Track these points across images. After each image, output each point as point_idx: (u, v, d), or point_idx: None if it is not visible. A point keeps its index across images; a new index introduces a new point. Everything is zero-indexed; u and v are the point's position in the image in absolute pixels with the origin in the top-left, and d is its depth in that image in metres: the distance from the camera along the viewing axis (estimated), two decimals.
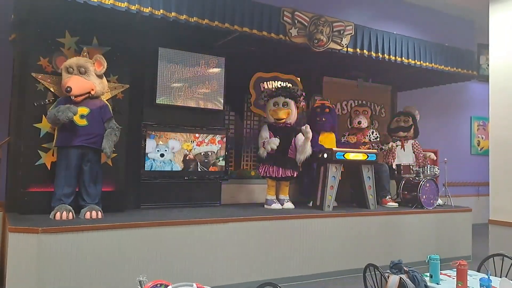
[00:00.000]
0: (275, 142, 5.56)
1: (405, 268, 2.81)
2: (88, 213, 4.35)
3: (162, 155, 5.39)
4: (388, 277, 2.76)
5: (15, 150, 4.77)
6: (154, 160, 5.34)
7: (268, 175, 5.77)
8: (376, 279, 2.86)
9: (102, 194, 4.63)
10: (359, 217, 5.59)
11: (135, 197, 5.31)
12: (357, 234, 5.53)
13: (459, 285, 2.76)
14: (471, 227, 6.52)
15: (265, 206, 5.79)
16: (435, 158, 7.01)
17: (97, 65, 4.60)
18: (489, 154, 5.64)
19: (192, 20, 4.83)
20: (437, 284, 2.92)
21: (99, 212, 4.42)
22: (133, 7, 4.46)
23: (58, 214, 4.20)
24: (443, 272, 3.12)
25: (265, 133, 5.80)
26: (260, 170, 5.83)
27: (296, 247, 5.09)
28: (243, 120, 6.67)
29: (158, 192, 5.43)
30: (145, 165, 5.28)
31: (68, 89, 4.32)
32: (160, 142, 5.40)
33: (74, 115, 4.25)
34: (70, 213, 4.26)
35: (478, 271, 3.35)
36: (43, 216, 4.27)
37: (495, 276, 3.17)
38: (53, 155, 4.60)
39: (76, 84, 4.38)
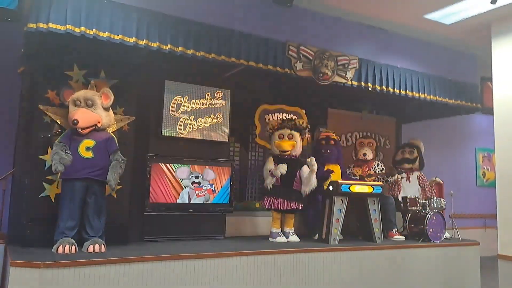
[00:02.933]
0: (284, 167, 5.54)
1: None
2: (91, 246, 4.29)
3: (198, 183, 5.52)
4: None
5: (20, 181, 4.77)
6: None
7: (273, 208, 5.71)
8: None
9: (105, 226, 4.58)
10: (365, 251, 5.49)
11: (139, 229, 5.26)
12: (364, 268, 5.41)
13: None
14: (479, 262, 6.39)
15: (270, 239, 5.70)
16: (441, 182, 6.94)
17: (104, 98, 4.64)
18: (495, 186, 5.60)
19: (199, 54, 4.91)
20: None
21: (102, 246, 4.36)
22: (141, 42, 4.56)
23: (60, 247, 4.14)
24: None
25: (270, 165, 5.77)
26: (265, 202, 5.77)
27: (302, 281, 4.98)
28: (248, 151, 6.67)
29: (162, 224, 5.38)
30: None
31: (75, 121, 4.35)
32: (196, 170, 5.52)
33: (66, 165, 4.24)
34: (73, 246, 4.21)
35: None
36: (45, 250, 4.21)
37: None
38: (57, 187, 4.59)
39: (83, 116, 4.41)
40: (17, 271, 3.69)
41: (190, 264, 4.39)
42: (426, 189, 6.84)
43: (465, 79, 7.12)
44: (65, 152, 4.31)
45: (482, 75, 8.07)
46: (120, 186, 4.80)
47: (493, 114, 5.76)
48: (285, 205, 5.66)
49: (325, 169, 6.11)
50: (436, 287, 5.75)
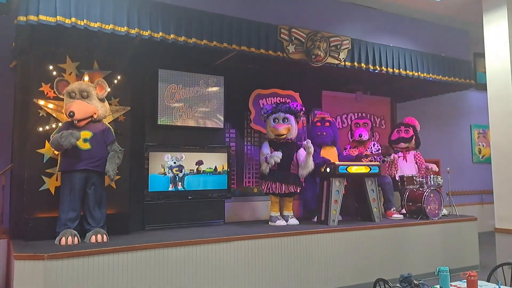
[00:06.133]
0: (278, 156, 5.56)
1: (415, 282, 2.80)
2: (93, 237, 4.34)
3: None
4: None
5: (19, 176, 4.78)
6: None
7: (271, 192, 5.76)
8: None
9: (106, 217, 4.62)
10: (365, 231, 5.55)
11: (139, 218, 5.30)
12: (364, 248, 5.49)
13: None
14: (477, 236, 6.49)
15: (270, 223, 5.76)
16: (437, 169, 6.99)
17: (99, 89, 4.64)
18: (491, 162, 5.65)
19: (191, 41, 4.89)
20: None
21: (104, 236, 4.40)
22: (132, 31, 4.54)
23: (63, 239, 4.19)
24: (453, 284, 3.09)
25: (266, 150, 5.80)
26: (263, 187, 5.81)
27: (303, 263, 5.06)
28: (244, 137, 6.69)
29: (162, 212, 5.42)
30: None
31: (71, 113, 4.35)
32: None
33: (77, 140, 4.28)
34: (76, 237, 4.25)
35: (488, 281, 3.33)
36: (48, 242, 4.26)
37: (505, 285, 3.15)
38: (57, 180, 4.61)
39: (79, 108, 4.42)
40: (21, 264, 3.74)
41: (192, 250, 4.46)
42: (423, 167, 6.89)
43: (458, 56, 7.14)
44: None
45: (475, 51, 8.09)
46: (119, 176, 4.83)
47: (486, 90, 5.78)
48: (283, 189, 5.71)
49: (321, 150, 6.15)
50: (436, 263, 5.81)
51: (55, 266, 3.77)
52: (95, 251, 3.99)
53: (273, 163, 5.56)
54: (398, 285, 2.83)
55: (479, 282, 2.92)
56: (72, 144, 4.24)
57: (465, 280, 2.87)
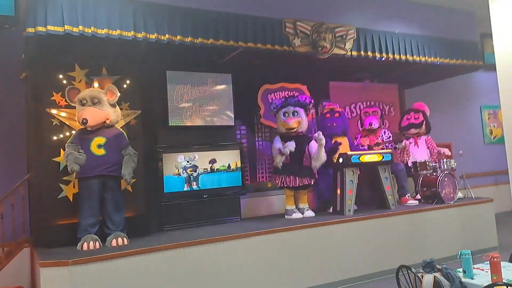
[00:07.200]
0: (292, 145, 5.59)
1: (438, 266, 2.81)
2: (114, 240, 4.40)
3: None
4: (422, 277, 2.76)
5: (37, 185, 4.85)
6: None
7: (285, 185, 5.78)
8: (410, 280, 2.86)
9: (125, 220, 4.68)
10: (381, 219, 5.56)
11: (157, 219, 5.35)
12: (381, 236, 5.50)
13: (494, 278, 2.75)
14: (494, 217, 6.46)
15: (286, 216, 5.79)
16: (449, 154, 6.97)
17: (109, 95, 4.68)
18: (504, 142, 5.61)
19: (198, 41, 4.92)
20: (472, 279, 2.91)
21: (125, 239, 4.46)
22: (139, 35, 4.58)
23: (85, 244, 4.26)
24: (475, 266, 3.10)
25: (278, 144, 5.81)
26: (277, 181, 5.84)
27: (322, 254, 5.08)
28: (254, 133, 6.72)
29: (179, 212, 5.47)
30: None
31: (84, 121, 4.40)
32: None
33: (81, 166, 4.32)
34: (97, 242, 4.32)
35: (510, 261, 3.33)
36: (70, 248, 4.33)
37: None
38: (74, 187, 4.68)
39: (91, 115, 4.47)
40: (47, 271, 3.81)
41: (212, 248, 4.50)
42: (435, 152, 6.87)
43: (464, 38, 7.08)
44: (78, 152, 4.38)
45: (482, 32, 8.00)
46: (135, 180, 4.88)
47: (495, 70, 5.73)
48: (297, 182, 5.73)
49: (333, 142, 6.14)
50: (454, 247, 5.82)
51: (80, 271, 3.83)
52: (117, 254, 4.05)
53: (288, 152, 5.57)
54: (421, 270, 2.84)
55: (502, 263, 2.93)
56: (75, 171, 4.32)
57: (488, 262, 2.88)
